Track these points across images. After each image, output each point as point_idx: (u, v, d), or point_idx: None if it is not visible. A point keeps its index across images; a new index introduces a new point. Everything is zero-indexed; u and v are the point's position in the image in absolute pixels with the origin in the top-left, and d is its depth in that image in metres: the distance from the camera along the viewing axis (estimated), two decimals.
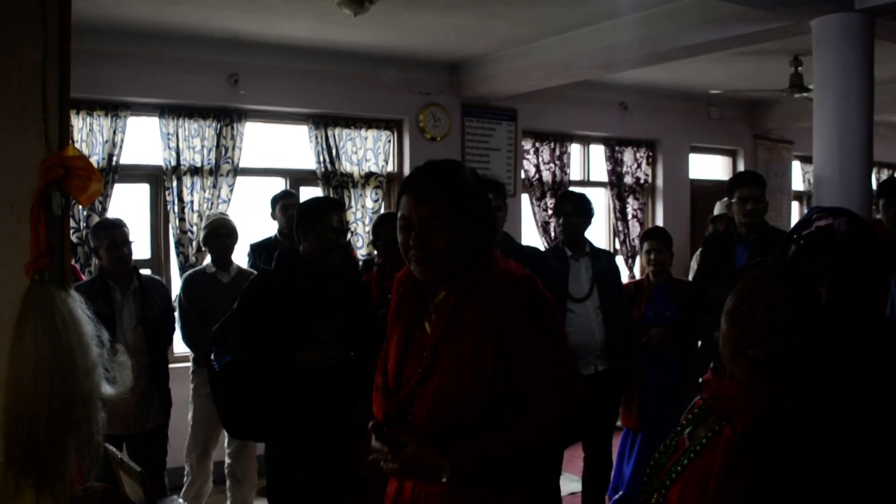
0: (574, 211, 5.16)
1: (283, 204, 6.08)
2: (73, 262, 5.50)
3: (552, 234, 8.53)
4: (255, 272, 5.58)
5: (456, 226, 2.18)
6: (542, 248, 8.32)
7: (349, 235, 7.27)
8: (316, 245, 4.00)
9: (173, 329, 5.14)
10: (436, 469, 2.06)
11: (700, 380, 1.91)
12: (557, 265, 5.11)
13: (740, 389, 1.77)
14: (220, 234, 5.47)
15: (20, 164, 2.18)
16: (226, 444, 5.49)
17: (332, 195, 7.24)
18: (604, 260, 5.30)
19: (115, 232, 4.66)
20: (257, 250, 5.99)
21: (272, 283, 4.05)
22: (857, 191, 4.88)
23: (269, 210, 6.21)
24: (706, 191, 9.88)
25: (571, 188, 8.71)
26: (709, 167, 10.52)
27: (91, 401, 2.11)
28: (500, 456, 2.05)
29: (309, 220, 4.02)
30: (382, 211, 7.53)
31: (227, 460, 5.49)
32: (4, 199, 2.16)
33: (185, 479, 5.46)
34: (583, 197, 5.28)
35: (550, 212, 8.55)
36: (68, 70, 2.24)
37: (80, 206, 5.80)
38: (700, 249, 5.28)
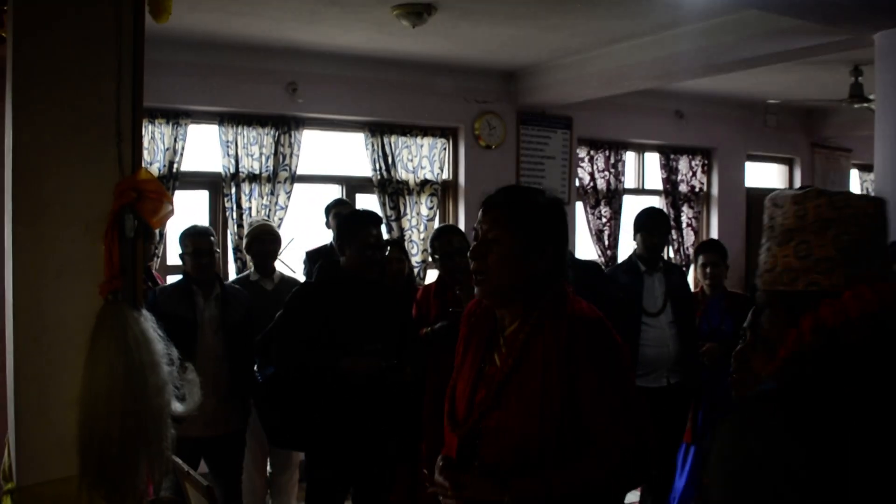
0: (664, 230, 5.25)
1: (336, 212, 6.09)
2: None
3: (606, 243, 8.50)
4: (303, 279, 5.65)
5: (514, 245, 2.20)
6: (597, 257, 8.35)
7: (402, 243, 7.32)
8: (353, 259, 4.07)
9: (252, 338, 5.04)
10: None
11: None
12: (631, 280, 5.13)
13: None
14: (264, 240, 5.51)
15: (95, 188, 2.25)
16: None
17: (387, 202, 7.31)
18: (676, 275, 5.31)
19: (199, 241, 4.72)
20: (313, 257, 6.01)
21: (314, 294, 4.11)
22: None
23: (324, 218, 6.27)
24: (762, 199, 9.65)
25: (626, 196, 8.71)
26: (765, 175, 10.42)
27: (162, 418, 2.18)
28: (559, 494, 2.07)
29: (348, 234, 4.08)
30: (437, 218, 7.58)
31: (269, 469, 5.53)
32: (79, 222, 2.24)
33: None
34: (667, 216, 5.26)
35: (604, 220, 8.54)
36: (141, 96, 2.31)
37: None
38: None
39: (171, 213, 2.29)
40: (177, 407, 2.25)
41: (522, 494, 2.07)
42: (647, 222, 5.19)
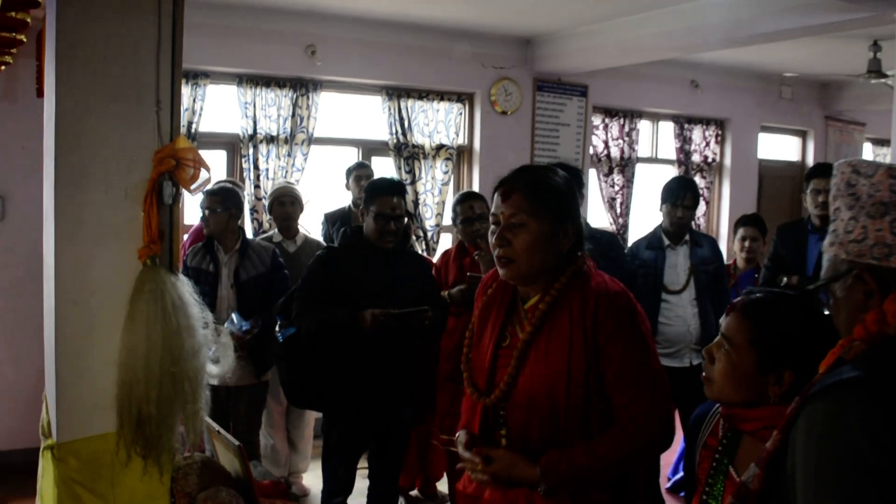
0: (693, 203, 4.94)
1: (356, 175, 6.14)
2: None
3: (618, 211, 8.55)
4: (324, 241, 5.71)
5: (540, 229, 2.22)
6: (609, 225, 8.39)
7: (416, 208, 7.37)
8: (369, 227, 4.10)
9: (276, 295, 4.86)
10: (529, 481, 2.15)
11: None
12: (653, 255, 4.93)
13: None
14: (283, 202, 5.57)
15: (134, 155, 2.32)
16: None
17: (403, 166, 7.35)
18: (705, 247, 5.06)
19: (208, 199, 4.87)
20: (331, 220, 6.08)
21: (336, 258, 4.15)
22: None
23: (343, 180, 6.31)
24: (775, 171, 9.80)
25: (640, 165, 8.74)
26: (779, 147, 10.41)
27: (197, 380, 2.26)
28: (587, 466, 2.12)
29: (369, 199, 4.10)
30: (451, 182, 7.62)
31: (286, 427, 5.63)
32: (119, 188, 2.30)
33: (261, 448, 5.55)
34: (695, 185, 5.07)
35: (617, 188, 8.58)
36: (180, 64, 2.37)
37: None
38: (775, 237, 5.13)
39: (209, 180, 2.35)
40: (211, 369, 2.33)
41: (552, 469, 2.12)
42: (673, 193, 4.93)
